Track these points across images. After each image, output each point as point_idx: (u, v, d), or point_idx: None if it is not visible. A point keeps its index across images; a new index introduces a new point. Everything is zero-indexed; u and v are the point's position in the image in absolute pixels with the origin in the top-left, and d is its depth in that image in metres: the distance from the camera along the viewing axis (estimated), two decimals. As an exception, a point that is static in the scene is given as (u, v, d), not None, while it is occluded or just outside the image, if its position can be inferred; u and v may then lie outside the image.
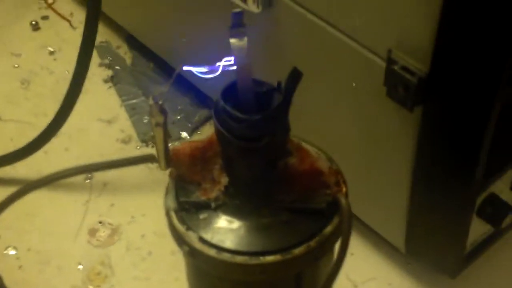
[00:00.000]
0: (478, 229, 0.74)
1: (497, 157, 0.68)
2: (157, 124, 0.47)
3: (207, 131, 0.97)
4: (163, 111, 0.47)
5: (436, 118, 0.63)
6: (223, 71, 0.46)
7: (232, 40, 0.45)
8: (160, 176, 0.90)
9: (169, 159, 0.50)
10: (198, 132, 0.97)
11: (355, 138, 0.72)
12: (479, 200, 0.71)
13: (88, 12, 0.78)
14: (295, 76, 0.47)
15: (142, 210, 0.88)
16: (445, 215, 0.71)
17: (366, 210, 0.79)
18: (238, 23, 0.45)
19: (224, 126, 0.46)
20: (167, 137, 0.49)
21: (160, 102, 0.46)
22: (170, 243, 0.83)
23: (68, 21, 1.12)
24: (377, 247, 0.84)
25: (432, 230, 0.73)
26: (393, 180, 0.71)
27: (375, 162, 0.73)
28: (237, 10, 0.45)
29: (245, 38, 0.46)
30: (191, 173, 0.51)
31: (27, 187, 0.52)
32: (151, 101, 0.46)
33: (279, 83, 0.47)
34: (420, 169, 0.68)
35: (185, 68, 0.45)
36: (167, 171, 0.52)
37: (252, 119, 0.45)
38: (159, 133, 0.48)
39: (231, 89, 0.47)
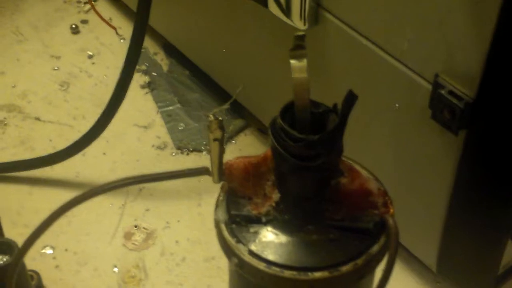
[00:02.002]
0: (511, 251, 0.75)
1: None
2: (215, 139, 0.48)
3: (242, 141, 0.98)
4: (222, 127, 0.48)
5: (480, 142, 0.64)
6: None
7: (293, 61, 0.46)
8: (195, 183, 0.93)
9: (222, 173, 0.51)
10: (233, 142, 0.99)
11: (396, 158, 0.73)
12: (513, 224, 0.72)
13: (137, 19, 0.80)
14: (351, 98, 0.48)
15: (177, 216, 0.89)
16: (480, 238, 0.72)
17: (401, 228, 0.80)
18: (299, 45, 0.46)
19: (281, 144, 0.47)
20: (222, 152, 0.50)
21: (220, 118, 0.47)
22: (204, 250, 0.86)
23: (114, 28, 1.13)
24: (408, 265, 0.85)
25: (466, 251, 0.74)
26: (431, 200, 0.72)
27: (414, 183, 0.74)
28: (300, 33, 0.47)
29: (305, 60, 0.47)
30: (243, 188, 0.52)
31: (85, 195, 0.53)
32: (211, 117, 0.47)
33: (335, 105, 0.48)
34: (458, 192, 0.69)
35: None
36: (213, 182, 0.54)
37: (310, 139, 0.46)
38: (215, 148, 0.49)
39: (289, 109, 0.48)
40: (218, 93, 1.00)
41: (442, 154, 0.67)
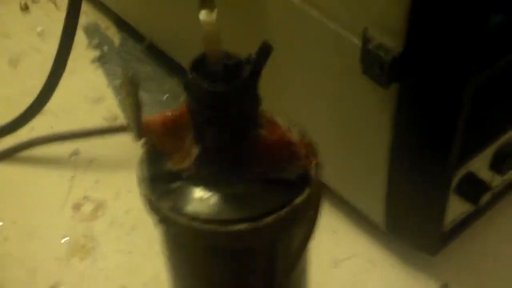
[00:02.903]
0: (457, 207, 0.76)
1: (474, 135, 0.69)
2: (128, 94, 0.48)
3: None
4: (133, 81, 0.48)
5: (412, 96, 0.64)
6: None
7: (203, 12, 0.46)
8: (145, 154, 0.92)
9: (142, 130, 0.51)
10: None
11: (332, 116, 0.73)
12: (456, 179, 0.72)
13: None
14: (265, 49, 0.48)
15: (127, 186, 0.89)
16: (422, 193, 0.72)
17: (347, 187, 0.80)
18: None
19: (193, 96, 0.47)
20: (139, 107, 0.50)
21: (130, 72, 0.47)
22: (154, 219, 0.85)
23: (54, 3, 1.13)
24: (359, 225, 0.85)
25: (411, 208, 0.75)
26: (371, 158, 0.73)
27: (354, 140, 0.74)
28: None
29: (215, 10, 0.46)
30: (163, 143, 0.52)
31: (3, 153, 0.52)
32: (122, 72, 0.47)
33: (249, 56, 0.48)
34: (397, 147, 0.69)
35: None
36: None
37: (220, 90, 0.46)
38: (130, 103, 0.49)
39: (201, 60, 0.48)
40: (171, 65, 1.00)
41: (377, 110, 0.67)
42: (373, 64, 0.62)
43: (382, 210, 0.77)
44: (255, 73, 0.48)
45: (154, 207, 0.51)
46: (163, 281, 0.78)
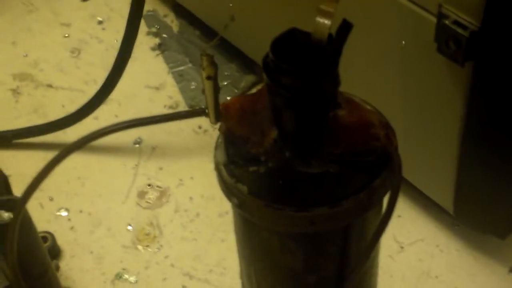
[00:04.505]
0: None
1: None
2: (208, 77, 0.47)
3: (254, 97, 0.97)
4: (214, 64, 0.47)
5: (488, 74, 0.62)
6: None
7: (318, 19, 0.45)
8: (207, 140, 0.92)
9: (219, 113, 0.50)
10: (245, 98, 0.98)
11: (404, 96, 0.71)
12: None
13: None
14: (346, 27, 0.46)
15: (190, 173, 0.89)
16: (493, 176, 0.70)
17: (415, 172, 0.78)
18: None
19: (273, 77, 0.46)
20: (217, 90, 0.49)
21: (211, 54, 0.46)
22: (217, 206, 0.85)
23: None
24: (425, 209, 0.84)
25: (481, 191, 0.73)
26: (443, 139, 0.71)
27: (425, 121, 0.72)
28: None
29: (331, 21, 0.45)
30: (240, 127, 0.51)
31: (77, 143, 0.52)
32: (202, 54, 0.46)
33: (329, 35, 0.47)
34: (470, 128, 0.67)
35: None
36: (217, 128, 0.53)
37: (301, 70, 0.45)
38: (209, 86, 0.48)
39: (281, 41, 0.46)
40: (229, 50, 1.00)
41: (451, 89, 0.65)
42: (449, 41, 0.60)
43: (451, 194, 0.75)
44: (336, 52, 0.46)
45: (231, 191, 0.50)
46: (227, 267, 0.78)
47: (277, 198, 0.49)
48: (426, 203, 0.82)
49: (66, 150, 0.52)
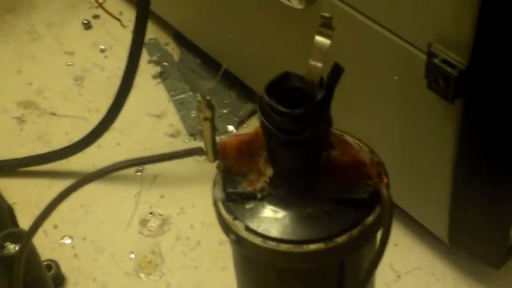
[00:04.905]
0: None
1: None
2: (205, 119, 0.49)
3: (253, 125, 0.99)
4: (211, 106, 0.49)
5: (478, 110, 0.64)
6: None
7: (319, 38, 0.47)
8: (208, 168, 0.93)
9: (217, 152, 0.52)
10: (244, 126, 1.00)
11: (397, 131, 0.73)
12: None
13: (138, 10, 0.81)
14: (337, 71, 0.49)
15: (191, 201, 0.91)
16: (487, 206, 0.72)
17: (410, 201, 0.80)
18: (326, 24, 0.47)
19: (268, 120, 0.48)
20: (214, 131, 0.51)
21: (208, 98, 0.48)
22: (218, 234, 0.86)
23: (118, 20, 1.16)
24: (421, 238, 0.85)
25: (475, 221, 0.74)
26: (435, 171, 0.73)
27: (417, 154, 0.74)
28: (326, 14, 0.47)
29: (330, 42, 0.47)
30: (237, 165, 0.53)
31: (84, 180, 0.54)
32: (199, 97, 0.48)
33: (321, 78, 0.49)
34: (461, 161, 0.69)
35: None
36: (215, 164, 0.55)
37: (295, 113, 0.47)
38: (207, 127, 0.50)
39: (275, 84, 0.49)
40: (228, 78, 1.02)
41: (442, 124, 0.67)
42: (439, 78, 0.62)
43: (445, 223, 0.77)
44: (328, 95, 0.48)
45: (229, 227, 0.52)
46: (228, 295, 0.80)
47: (273, 235, 0.51)
48: (423, 232, 0.84)
49: (71, 187, 0.54)
